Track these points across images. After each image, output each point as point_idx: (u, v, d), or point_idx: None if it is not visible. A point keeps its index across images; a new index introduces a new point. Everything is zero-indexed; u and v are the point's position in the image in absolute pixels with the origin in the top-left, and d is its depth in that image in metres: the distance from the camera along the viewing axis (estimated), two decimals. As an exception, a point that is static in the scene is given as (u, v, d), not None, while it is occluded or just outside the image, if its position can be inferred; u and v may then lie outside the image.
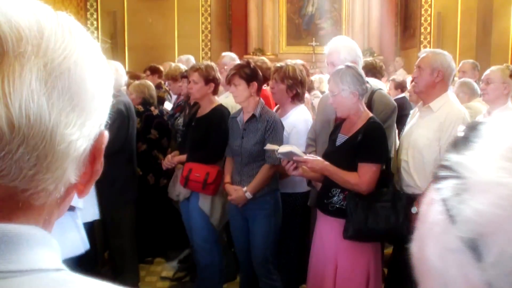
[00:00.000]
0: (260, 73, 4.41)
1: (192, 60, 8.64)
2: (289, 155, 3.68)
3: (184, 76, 5.94)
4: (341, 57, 4.17)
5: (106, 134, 0.79)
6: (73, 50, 0.71)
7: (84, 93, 0.71)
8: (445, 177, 0.60)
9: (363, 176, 3.55)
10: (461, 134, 0.65)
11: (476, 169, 0.56)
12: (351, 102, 3.62)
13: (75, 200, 3.28)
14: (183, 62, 8.36)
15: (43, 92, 0.66)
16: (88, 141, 0.73)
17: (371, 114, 3.72)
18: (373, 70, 5.78)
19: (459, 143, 0.62)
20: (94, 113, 0.73)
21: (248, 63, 4.43)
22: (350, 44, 4.37)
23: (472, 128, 0.63)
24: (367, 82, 3.90)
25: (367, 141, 3.57)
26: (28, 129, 0.65)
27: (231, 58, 6.38)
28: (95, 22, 14.55)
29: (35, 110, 0.65)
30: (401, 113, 5.20)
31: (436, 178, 0.63)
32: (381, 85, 5.23)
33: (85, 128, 0.72)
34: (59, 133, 0.68)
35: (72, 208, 3.57)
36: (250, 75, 4.27)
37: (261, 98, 4.39)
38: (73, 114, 0.69)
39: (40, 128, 0.66)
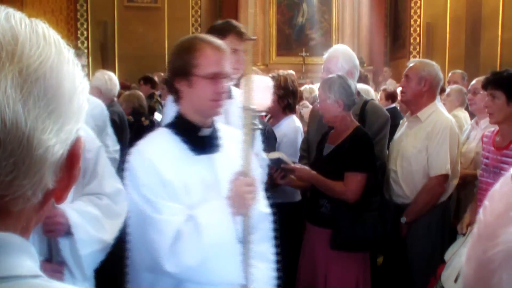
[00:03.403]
0: None
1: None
2: (278, 162, 3.67)
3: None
4: (338, 65, 4.19)
5: (83, 139, 0.79)
6: (48, 55, 0.71)
7: (61, 98, 0.71)
8: None
9: (349, 185, 3.54)
10: None
11: None
12: (336, 111, 3.63)
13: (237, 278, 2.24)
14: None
15: (19, 98, 0.66)
16: (65, 146, 0.73)
17: (357, 124, 3.73)
18: (358, 80, 5.83)
19: None
20: (71, 118, 0.73)
21: None
22: (349, 53, 4.39)
23: None
24: (358, 92, 3.91)
25: (353, 150, 3.57)
26: (4, 135, 0.65)
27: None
28: (85, 32, 14.54)
29: (11, 115, 0.65)
30: (392, 123, 5.23)
31: None
32: (371, 92, 5.26)
33: (62, 133, 0.71)
34: (36, 139, 0.68)
35: None
36: None
37: None
38: (50, 120, 0.69)
39: (17, 133, 0.66)
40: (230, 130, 2.58)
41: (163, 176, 2.22)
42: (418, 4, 14.74)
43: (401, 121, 4.61)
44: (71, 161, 0.76)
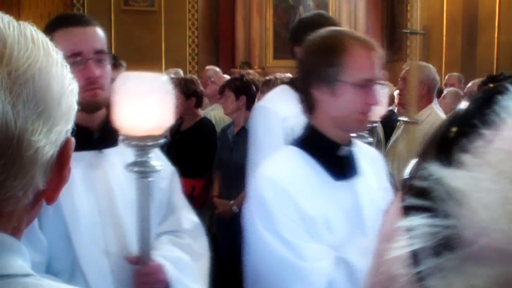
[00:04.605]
0: (253, 88, 4.42)
1: (181, 73, 8.66)
2: None
3: None
4: None
5: (73, 140, 0.79)
6: (37, 58, 0.72)
7: (50, 100, 0.72)
8: (418, 210, 0.35)
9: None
10: (461, 113, 0.32)
11: (483, 205, 0.28)
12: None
13: None
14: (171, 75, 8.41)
15: (8, 100, 0.67)
16: (55, 147, 0.74)
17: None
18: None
19: (455, 139, 0.31)
20: (60, 119, 0.74)
21: (241, 77, 4.45)
22: None
23: (486, 101, 0.29)
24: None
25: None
26: None
27: (215, 72, 6.44)
28: (82, 36, 14.55)
29: (0, 117, 0.66)
30: (389, 126, 5.24)
31: (405, 205, 0.38)
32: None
33: (52, 134, 0.72)
34: (26, 140, 0.68)
35: None
36: (240, 88, 4.29)
37: None
38: (39, 121, 0.70)
39: (7, 135, 0.66)
40: (364, 147, 2.12)
41: (303, 211, 1.78)
42: (415, 7, 14.79)
43: (397, 124, 4.62)
44: (61, 162, 0.77)
